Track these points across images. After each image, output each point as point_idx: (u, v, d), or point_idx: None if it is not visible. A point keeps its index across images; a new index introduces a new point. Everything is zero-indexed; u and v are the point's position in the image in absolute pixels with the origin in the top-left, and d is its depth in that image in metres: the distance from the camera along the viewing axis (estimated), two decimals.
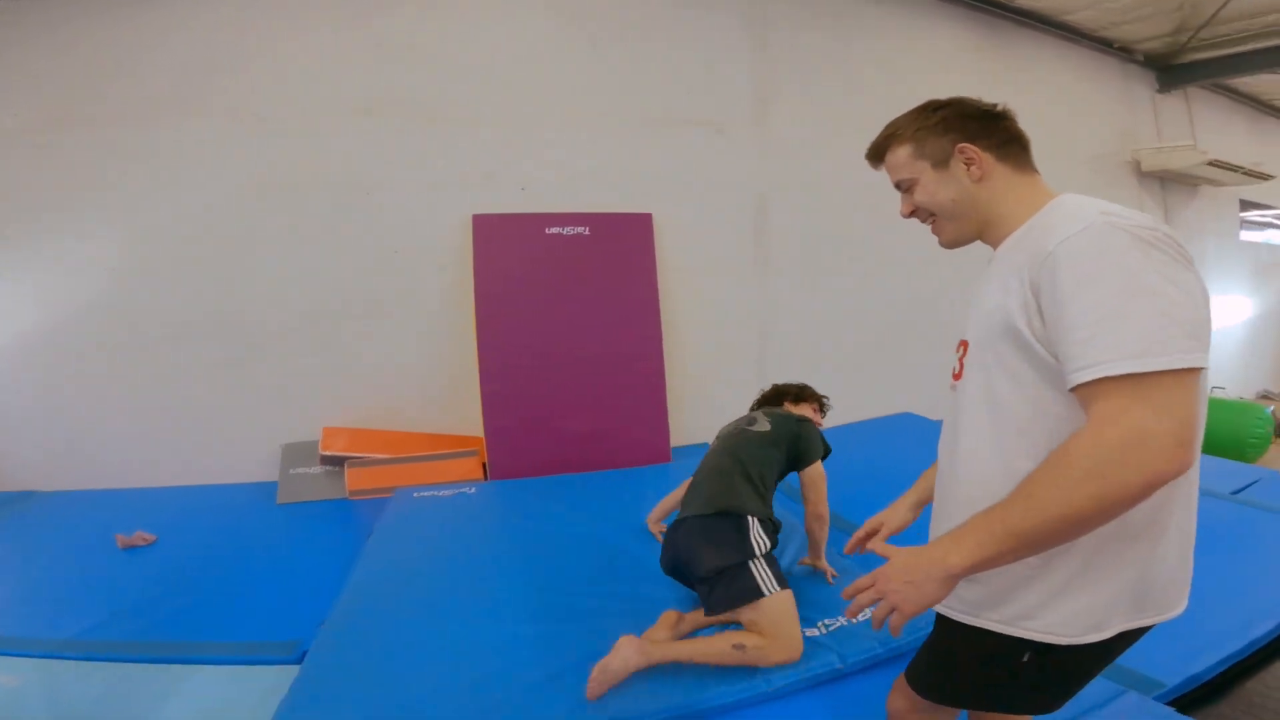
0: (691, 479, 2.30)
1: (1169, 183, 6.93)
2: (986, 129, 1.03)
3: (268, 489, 3.71)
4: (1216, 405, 5.43)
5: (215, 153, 3.84)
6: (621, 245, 4.06)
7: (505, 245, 3.92)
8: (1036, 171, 1.06)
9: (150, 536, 3.06)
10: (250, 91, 3.86)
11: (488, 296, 3.85)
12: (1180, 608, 0.98)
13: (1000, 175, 1.02)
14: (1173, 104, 6.97)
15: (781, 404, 2.69)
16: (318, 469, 3.79)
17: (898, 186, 1.12)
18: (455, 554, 2.70)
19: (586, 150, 4.27)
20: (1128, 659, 1.18)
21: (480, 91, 4.10)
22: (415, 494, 3.44)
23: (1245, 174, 6.67)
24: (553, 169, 4.20)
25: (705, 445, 4.19)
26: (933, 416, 4.85)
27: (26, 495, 3.67)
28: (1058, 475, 0.76)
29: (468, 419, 4.00)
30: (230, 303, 3.89)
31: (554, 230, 3.95)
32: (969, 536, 0.82)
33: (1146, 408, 0.72)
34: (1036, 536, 0.77)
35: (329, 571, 2.62)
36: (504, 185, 4.11)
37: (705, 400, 4.38)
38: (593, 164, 4.27)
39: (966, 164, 1.02)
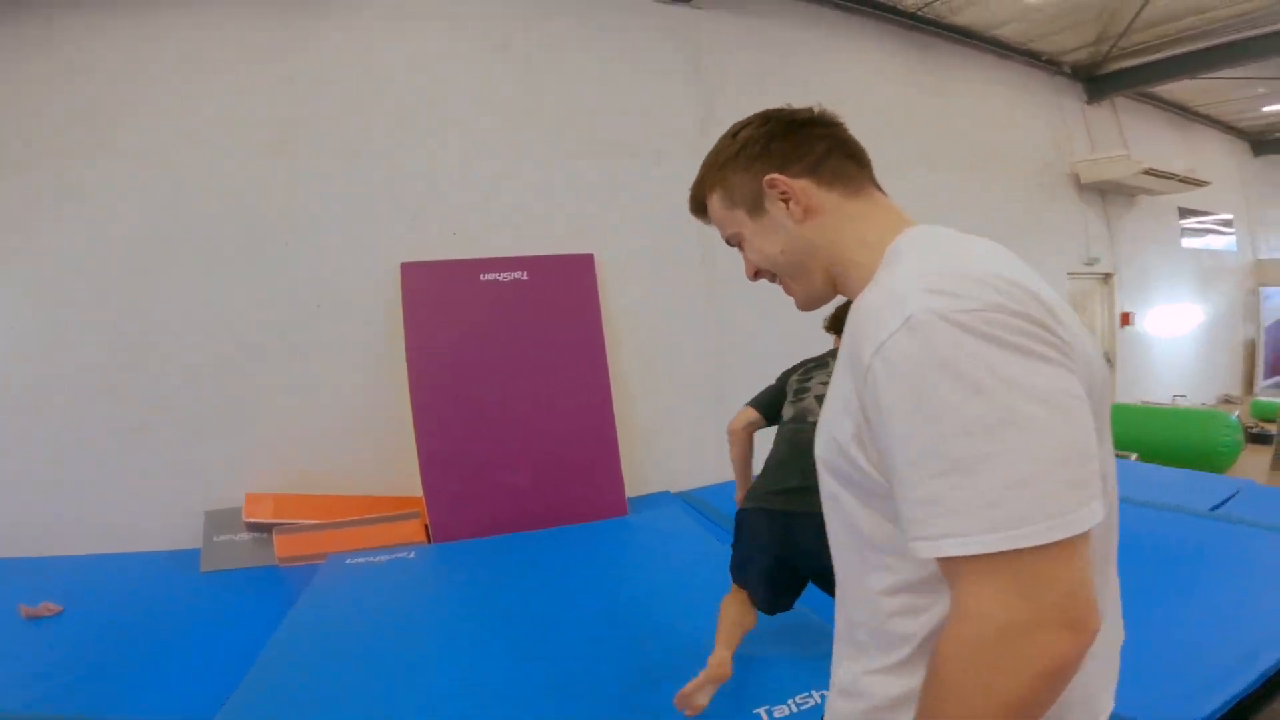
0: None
1: (1109, 194, 7.10)
2: (797, 147, 0.81)
3: (191, 556, 3.47)
4: (1181, 415, 5.46)
5: (122, 197, 3.62)
6: (562, 289, 3.91)
7: (438, 294, 3.73)
8: (873, 191, 0.83)
9: (56, 607, 2.89)
10: (153, 129, 3.66)
11: (421, 349, 3.65)
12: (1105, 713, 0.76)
13: (829, 204, 0.80)
14: (1102, 114, 7.18)
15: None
16: (244, 536, 3.54)
17: (728, 243, 0.91)
18: (382, 625, 2.59)
19: (520, 187, 4.12)
20: (1120, 706, 1.06)
21: (404, 125, 3.95)
22: (348, 560, 3.27)
23: (1181, 181, 6.87)
24: (484, 209, 4.04)
25: (665, 493, 4.11)
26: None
27: None
28: (942, 693, 0.60)
29: (407, 479, 3.76)
30: (143, 360, 3.64)
31: (489, 277, 3.76)
32: None
33: (1014, 592, 0.55)
34: None
35: (250, 644, 2.45)
36: (433, 228, 3.93)
37: (663, 445, 4.25)
38: (526, 201, 4.13)
39: (782, 201, 0.81)
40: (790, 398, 2.25)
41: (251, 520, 3.51)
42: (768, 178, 0.81)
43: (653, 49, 4.48)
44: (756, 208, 0.84)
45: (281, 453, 3.74)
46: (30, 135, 3.57)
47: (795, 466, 1.96)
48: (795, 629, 2.29)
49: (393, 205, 3.90)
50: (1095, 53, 6.59)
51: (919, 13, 5.58)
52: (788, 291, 0.89)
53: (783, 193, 0.80)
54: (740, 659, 1.99)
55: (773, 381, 2.39)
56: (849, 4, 5.29)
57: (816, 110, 0.85)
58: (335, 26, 3.89)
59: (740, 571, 2.04)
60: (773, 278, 0.89)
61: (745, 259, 0.89)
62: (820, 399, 2.08)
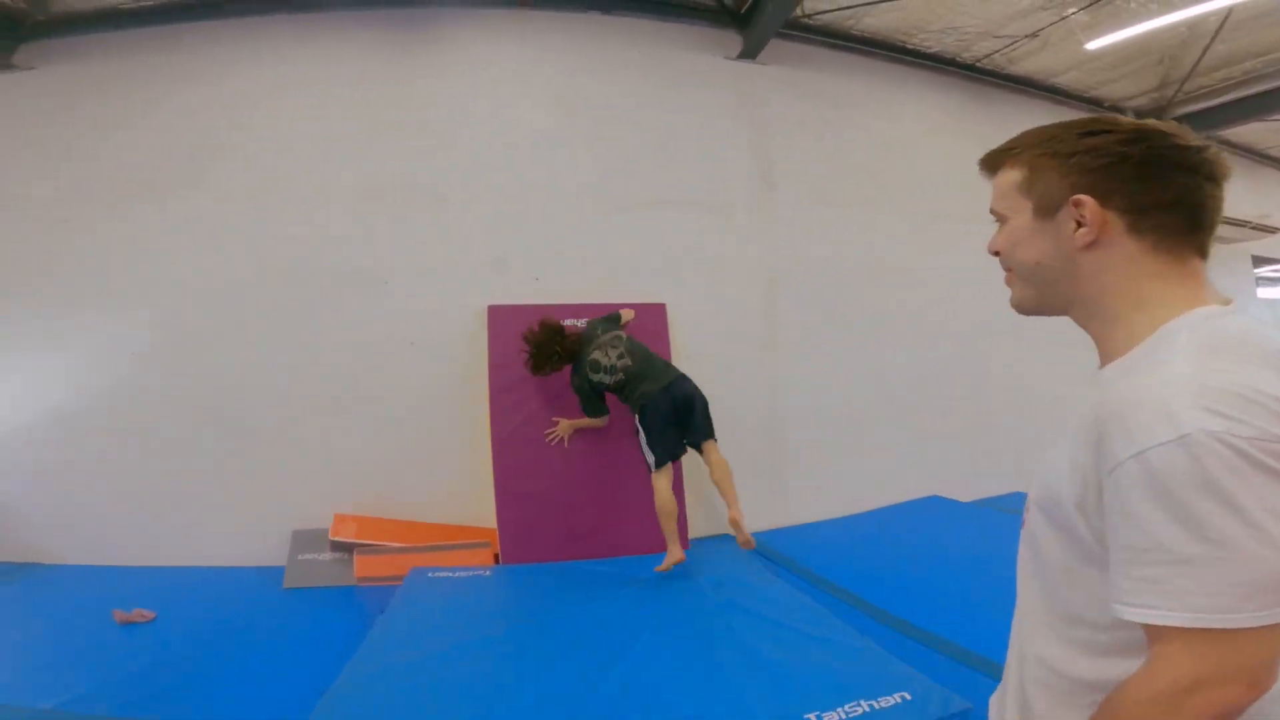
0: (634, 362, 3.50)
1: None
2: (1142, 184, 0.74)
3: (275, 573, 3.67)
4: None
5: (221, 233, 3.96)
6: (638, 336, 4.02)
7: (521, 336, 3.94)
8: (1191, 256, 0.77)
9: (149, 614, 3.06)
10: (252, 169, 4.00)
11: (503, 388, 3.87)
12: None
13: (1125, 251, 0.76)
14: None
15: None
16: (327, 555, 3.75)
17: (992, 214, 0.89)
18: (465, 635, 2.70)
19: (595, 235, 4.33)
20: None
21: (490, 176, 4.21)
22: (430, 574, 3.46)
23: (1253, 228, 6.71)
24: (564, 255, 4.26)
25: (725, 535, 4.16)
26: (960, 498, 4.75)
27: (29, 567, 3.68)
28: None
29: (480, 510, 3.95)
30: (239, 385, 3.94)
31: (569, 321, 3.94)
32: None
33: (1213, 656, 0.63)
34: None
35: (330, 656, 2.57)
36: (518, 274, 4.17)
37: None
38: (602, 250, 4.32)
39: (1077, 223, 0.76)
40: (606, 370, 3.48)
41: (336, 539, 3.72)
42: (1075, 197, 0.77)
43: (721, 105, 4.67)
44: (1046, 212, 0.80)
45: (368, 479, 3.98)
46: (152, 171, 3.94)
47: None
48: (839, 643, 2.44)
49: (480, 252, 4.17)
50: (1159, 98, 6.53)
51: (977, 64, 5.67)
52: (1009, 283, 0.87)
53: (1082, 219, 0.76)
54: (790, 666, 2.25)
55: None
56: (907, 57, 5.40)
57: (1198, 155, 0.75)
58: (423, 81, 4.22)
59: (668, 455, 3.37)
60: (1004, 264, 0.88)
61: (996, 236, 0.87)
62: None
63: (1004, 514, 4.41)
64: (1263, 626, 0.61)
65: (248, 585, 3.59)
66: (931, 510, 4.58)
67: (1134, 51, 5.58)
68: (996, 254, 0.88)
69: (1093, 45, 5.16)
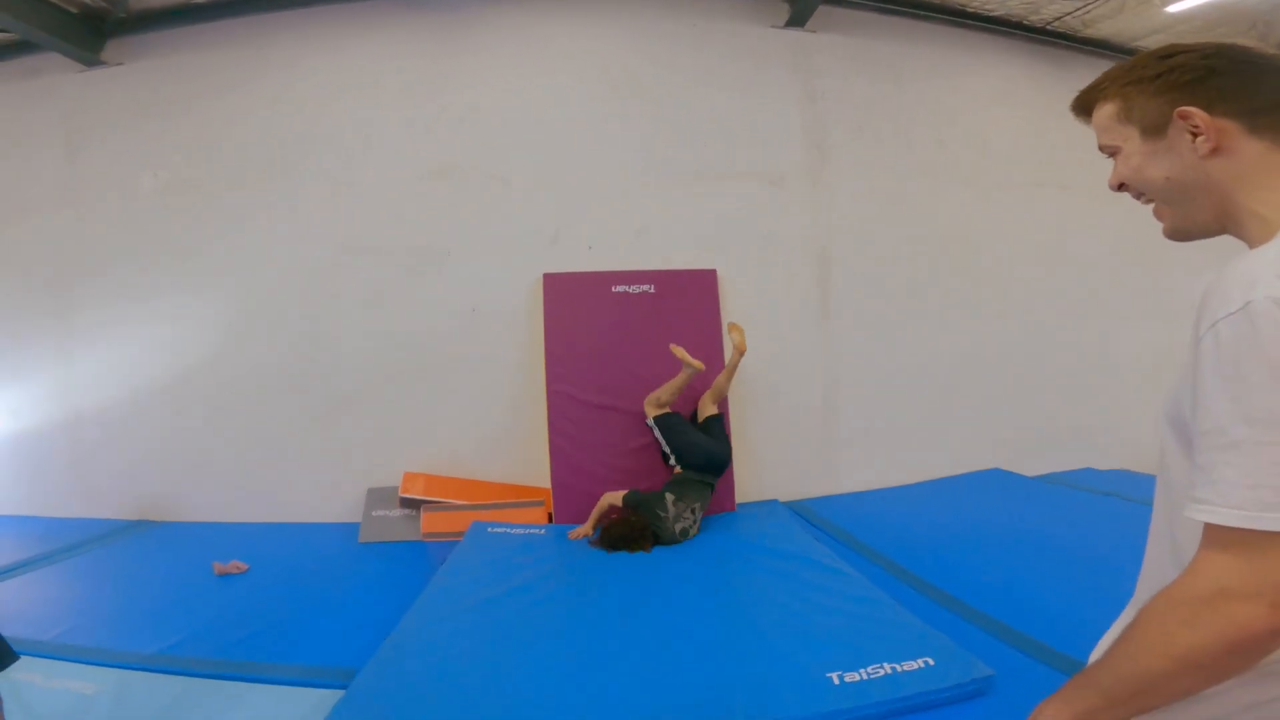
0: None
1: None
2: (1242, 87, 0.75)
3: (352, 529, 3.97)
4: None
5: (303, 216, 4.30)
6: (686, 301, 4.15)
7: (574, 303, 4.10)
8: None
9: (243, 565, 3.34)
10: (331, 158, 4.31)
11: (557, 354, 4.03)
12: None
13: (1249, 153, 0.75)
14: None
15: None
16: (397, 512, 4.01)
17: (1102, 150, 0.88)
18: (519, 585, 2.86)
19: (647, 207, 4.41)
20: None
21: (545, 155, 4.36)
22: (489, 528, 3.66)
23: None
24: (617, 227, 4.37)
25: (773, 501, 4.22)
26: (1025, 472, 4.58)
27: (140, 524, 4.14)
28: (1136, 631, 0.68)
29: (536, 470, 4.15)
30: (322, 358, 4.27)
31: (620, 288, 4.09)
32: (1065, 690, 0.75)
33: (1242, 563, 0.61)
34: (1119, 694, 0.68)
35: (396, 604, 2.75)
36: (571, 244, 4.31)
37: (770, 455, 4.34)
38: (654, 221, 4.40)
39: (1192, 134, 0.77)
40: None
41: (405, 496, 3.96)
42: (1180, 109, 0.77)
43: (770, 75, 4.63)
44: (1155, 131, 0.80)
45: (434, 441, 4.24)
46: (245, 156, 4.34)
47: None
48: (871, 608, 2.45)
49: (537, 223, 4.34)
50: None
51: (1049, 26, 5.39)
52: (1158, 216, 0.86)
53: (1195, 127, 0.76)
54: (820, 627, 2.32)
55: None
56: (968, 21, 5.14)
57: None
58: (484, 65, 4.41)
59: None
60: (1138, 195, 0.86)
61: (1115, 170, 0.86)
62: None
63: (1069, 489, 4.23)
64: None
65: (328, 539, 3.86)
66: (992, 482, 4.42)
67: (1222, 15, 5.12)
68: (1121, 188, 0.87)
69: (1173, 8, 4.80)
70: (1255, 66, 0.76)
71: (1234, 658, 0.62)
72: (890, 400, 4.65)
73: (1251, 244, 0.76)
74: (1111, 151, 0.86)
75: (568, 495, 3.89)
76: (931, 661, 2.02)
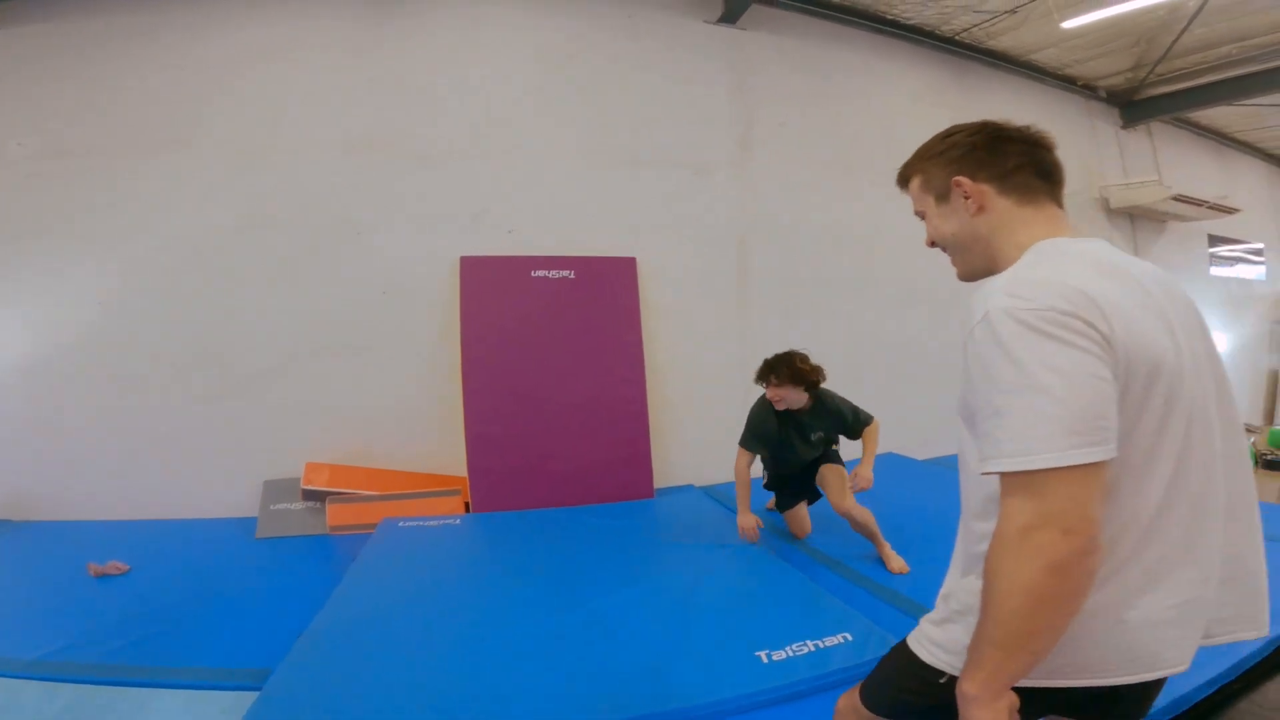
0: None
1: (1138, 219, 7.09)
2: (993, 158, 1.00)
3: (247, 524, 3.70)
4: None
5: (202, 187, 3.91)
6: (606, 288, 4.13)
7: (492, 288, 3.98)
8: (1047, 203, 1.01)
9: (123, 566, 3.06)
10: (243, 126, 3.95)
11: (474, 338, 3.91)
12: (1172, 667, 0.90)
13: (1001, 208, 1.00)
14: (1137, 140, 7.16)
15: None
16: (299, 505, 3.78)
17: (916, 215, 1.14)
18: (437, 580, 2.80)
19: (571, 192, 4.36)
20: None
21: (468, 132, 4.20)
22: (401, 523, 3.51)
23: (1211, 208, 6.83)
24: (540, 211, 4.28)
25: (688, 486, 4.28)
26: (919, 456, 4.91)
27: (0, 524, 3.65)
28: (987, 580, 0.81)
29: (451, 459, 4.02)
30: (213, 337, 3.92)
31: (540, 273, 4.01)
32: (968, 663, 0.84)
33: (1028, 502, 0.77)
34: (1010, 640, 0.79)
35: (304, 603, 2.61)
36: (491, 227, 4.18)
37: (690, 440, 4.43)
38: (577, 206, 4.36)
39: (964, 197, 1.01)
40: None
41: (308, 488, 3.74)
42: (955, 178, 1.03)
43: (700, 68, 4.69)
44: (943, 197, 1.06)
45: (339, 429, 4.01)
46: (135, 123, 3.87)
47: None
48: (789, 588, 2.59)
49: (456, 204, 4.17)
50: (1132, 78, 6.63)
51: (957, 37, 5.72)
52: (952, 262, 1.11)
53: (965, 192, 1.02)
54: (744, 610, 2.42)
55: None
56: (888, 28, 5.43)
57: (1025, 131, 1.03)
58: (405, 39, 4.17)
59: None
60: (942, 249, 1.11)
61: (927, 230, 1.12)
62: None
63: (952, 470, 4.50)
64: (1061, 468, 0.76)
65: (220, 536, 3.59)
66: (888, 466, 4.64)
67: (1112, 32, 5.66)
68: (933, 245, 1.12)
69: (1069, 24, 5.22)
70: (1004, 139, 1.01)
71: (1058, 580, 0.76)
72: None
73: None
74: (921, 216, 1.11)
75: (486, 483, 3.80)
76: (850, 637, 2.16)
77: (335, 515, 3.70)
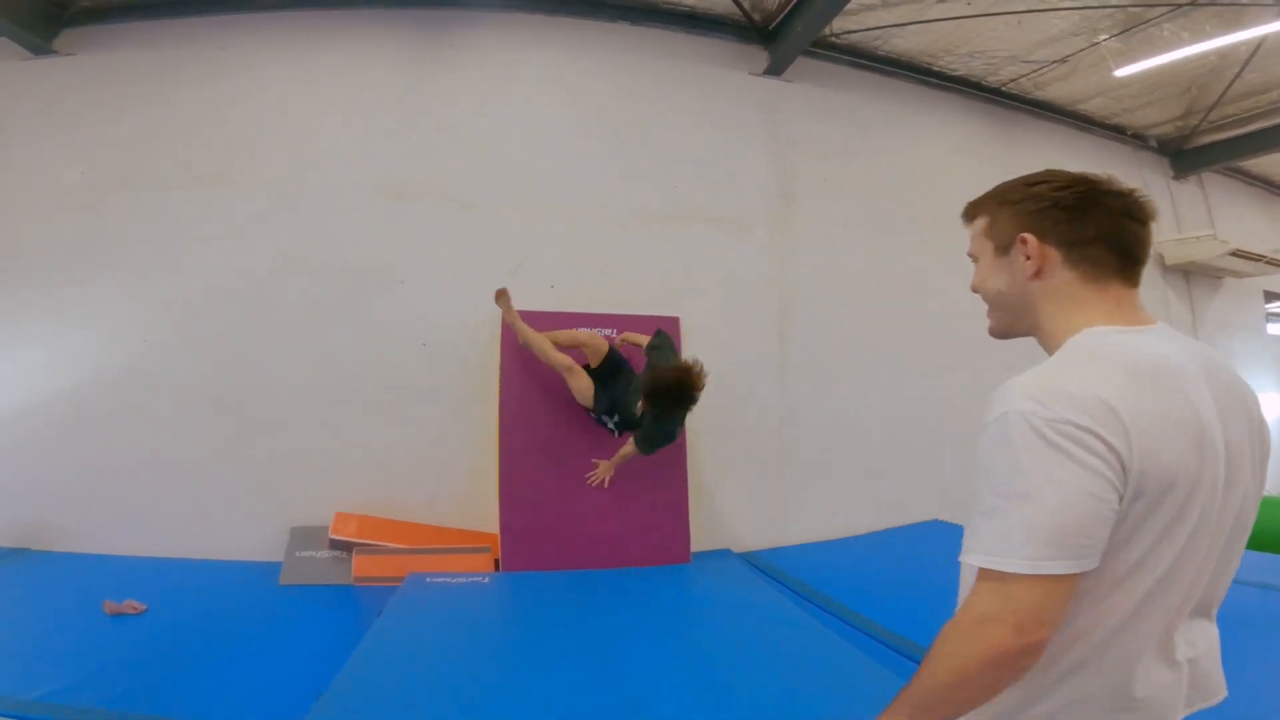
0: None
1: (1193, 275, 6.81)
2: (1072, 222, 0.92)
3: (271, 569, 3.63)
4: (1264, 503, 5.30)
5: (246, 225, 3.94)
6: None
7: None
8: (1115, 283, 0.93)
9: (140, 606, 2.99)
10: (284, 165, 3.99)
11: (512, 395, 3.83)
12: None
13: (1061, 280, 0.93)
14: (1188, 191, 6.93)
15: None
16: (324, 553, 3.71)
17: (969, 256, 1.08)
18: (463, 641, 2.70)
19: (614, 247, 4.31)
20: None
21: (512, 183, 4.19)
22: (429, 579, 3.42)
23: (1269, 263, 6.56)
24: (581, 265, 4.23)
25: (725, 551, 4.14)
26: (960, 523, 4.70)
27: (19, 552, 3.62)
28: (931, 651, 0.86)
29: (482, 515, 3.91)
30: (248, 378, 3.90)
31: (591, 331, 3.89)
32: (886, 711, 0.90)
33: (992, 596, 0.80)
34: (923, 705, 0.85)
35: (324, 656, 2.53)
36: (534, 281, 4.12)
37: (727, 505, 4.29)
38: (619, 262, 4.30)
39: (1025, 257, 0.94)
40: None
41: (335, 538, 3.67)
42: (1022, 234, 0.95)
43: (740, 120, 4.65)
44: (1004, 248, 0.99)
45: (370, 478, 3.94)
46: (184, 158, 3.94)
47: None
48: (833, 657, 2.48)
49: (497, 256, 4.14)
50: (1183, 126, 6.47)
51: (1003, 88, 5.65)
52: (989, 314, 1.05)
53: (1028, 252, 0.94)
54: (785, 684, 2.30)
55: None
56: (933, 79, 5.38)
57: (1124, 197, 0.93)
58: (449, 84, 4.22)
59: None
60: (984, 299, 1.05)
61: (975, 276, 1.06)
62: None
63: None
64: (1031, 575, 0.78)
65: (243, 580, 3.53)
66: (932, 533, 4.56)
67: (1162, 79, 5.55)
68: (975, 290, 1.06)
69: (1121, 72, 5.13)
70: (1093, 203, 0.92)
71: (992, 670, 0.80)
72: (840, 452, 4.72)
73: (1044, 346, 0.97)
74: (974, 259, 1.05)
75: (517, 542, 3.69)
76: None
77: (361, 566, 3.62)
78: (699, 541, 4.03)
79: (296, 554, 3.69)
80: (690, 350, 4.19)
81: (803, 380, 4.64)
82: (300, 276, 3.95)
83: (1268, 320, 7.81)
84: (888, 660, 2.52)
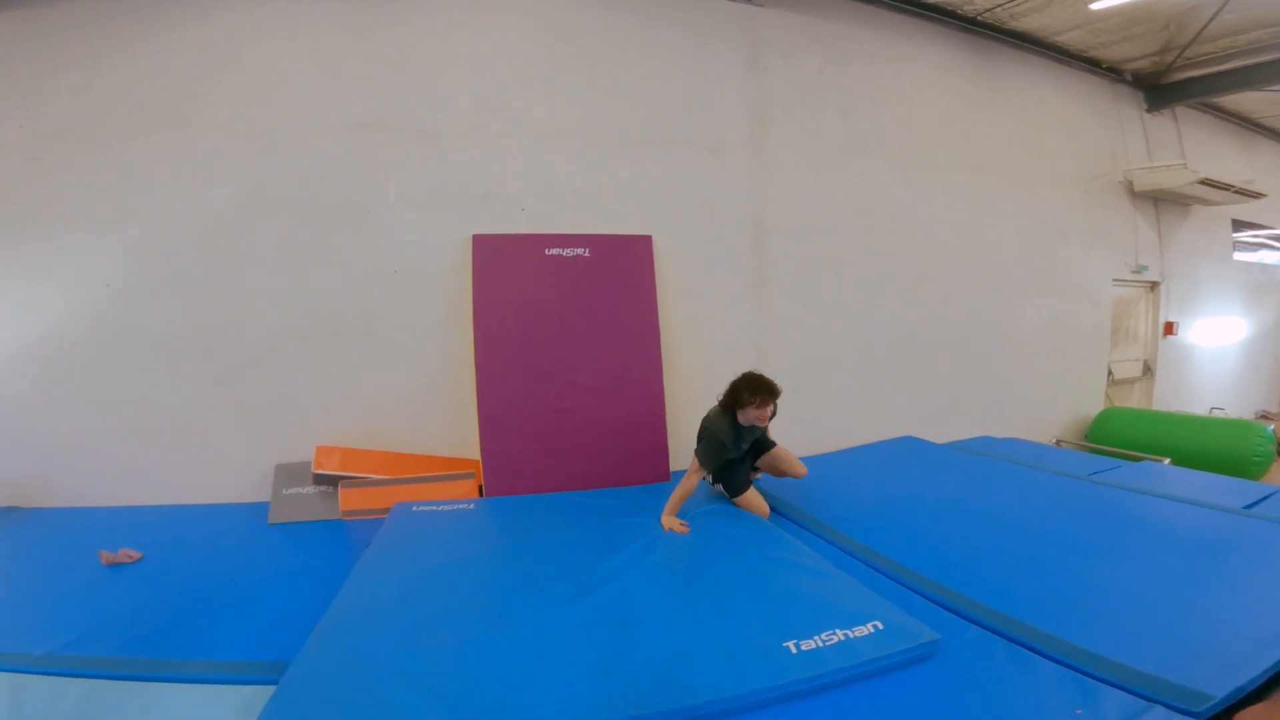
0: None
1: (1163, 203, 6.98)
2: None
3: (259, 509, 3.66)
4: (1217, 424, 5.58)
5: (209, 167, 3.84)
6: (621, 267, 4.04)
7: (505, 266, 3.90)
8: None
9: (135, 554, 3.01)
10: (246, 106, 3.87)
11: (487, 318, 3.83)
12: None
13: None
14: (1162, 123, 7.04)
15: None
16: (311, 489, 3.74)
17: None
18: (452, 567, 2.73)
19: (586, 171, 4.27)
20: (1162, 670, 1.05)
21: (479, 110, 4.11)
22: (414, 508, 3.46)
23: (1237, 192, 6.70)
24: (552, 189, 4.19)
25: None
26: (933, 439, 4.83)
27: (7, 511, 3.60)
28: None
29: (464, 441, 3.96)
30: (223, 319, 3.85)
31: (554, 251, 3.93)
32: None
33: None
34: None
35: (318, 591, 2.57)
36: (504, 205, 4.09)
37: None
38: (592, 185, 4.27)
39: None
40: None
41: (319, 472, 3.69)
42: None
43: (715, 45, 4.58)
44: None
45: (351, 412, 3.95)
46: (143, 104, 3.79)
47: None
48: (816, 575, 2.51)
49: (467, 182, 4.08)
50: (1159, 62, 6.47)
51: (980, 17, 5.57)
52: None
53: None
54: (769, 598, 2.35)
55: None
56: (909, 6, 5.30)
57: None
58: (419, 13, 4.08)
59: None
60: None
61: None
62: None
63: (971, 455, 4.51)
64: None
65: (233, 522, 3.55)
66: (906, 450, 4.64)
67: (1139, 14, 5.52)
68: None
69: (1097, 5, 5.10)
70: None
71: None
72: (815, 370, 4.80)
73: None
74: None
75: (500, 466, 3.74)
76: (880, 626, 2.07)
77: (348, 500, 3.65)
78: (679, 461, 4.09)
79: (284, 492, 3.71)
80: (663, 268, 4.28)
81: (777, 298, 4.69)
82: (269, 214, 3.88)
83: (1235, 248, 7.98)
84: (863, 576, 2.58)
